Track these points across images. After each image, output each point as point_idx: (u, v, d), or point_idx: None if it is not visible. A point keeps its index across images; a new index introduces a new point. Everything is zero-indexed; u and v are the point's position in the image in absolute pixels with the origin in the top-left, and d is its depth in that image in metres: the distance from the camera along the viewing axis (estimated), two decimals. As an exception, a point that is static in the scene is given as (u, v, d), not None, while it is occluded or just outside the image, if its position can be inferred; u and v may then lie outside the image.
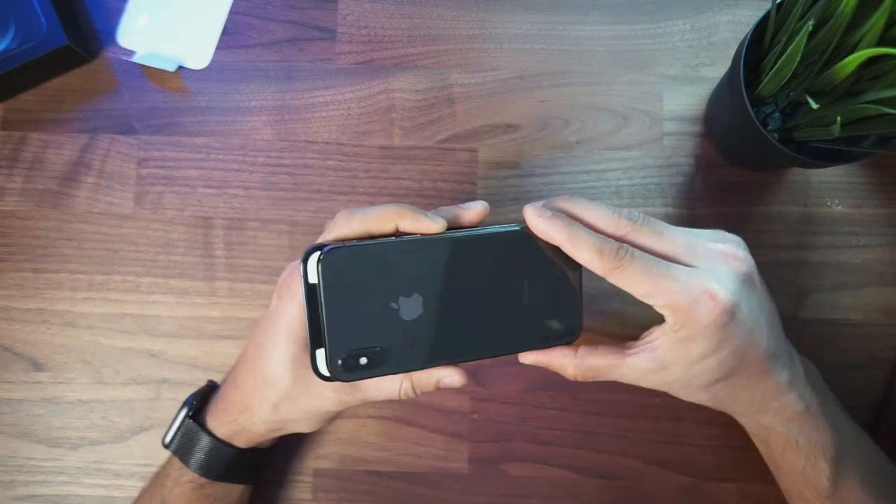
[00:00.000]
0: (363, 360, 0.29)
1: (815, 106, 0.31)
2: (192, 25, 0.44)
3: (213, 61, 0.44)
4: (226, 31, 0.44)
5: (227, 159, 0.43)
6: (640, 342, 0.32)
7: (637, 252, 0.29)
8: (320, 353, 0.29)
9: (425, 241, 0.29)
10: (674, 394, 0.33)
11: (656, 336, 0.31)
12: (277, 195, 0.43)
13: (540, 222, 0.29)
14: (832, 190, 0.43)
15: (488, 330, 0.30)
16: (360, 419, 0.42)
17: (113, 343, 0.42)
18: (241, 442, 0.35)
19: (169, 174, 0.43)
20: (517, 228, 0.30)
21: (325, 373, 0.29)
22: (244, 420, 0.34)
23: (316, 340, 0.29)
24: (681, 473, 0.41)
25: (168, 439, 0.36)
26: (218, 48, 0.44)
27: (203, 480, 0.35)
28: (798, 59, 0.32)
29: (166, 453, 0.36)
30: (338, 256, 0.28)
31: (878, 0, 0.30)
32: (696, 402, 0.33)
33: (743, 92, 0.35)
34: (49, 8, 0.41)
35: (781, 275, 0.42)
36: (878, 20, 0.30)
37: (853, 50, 0.32)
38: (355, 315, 0.28)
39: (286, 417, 0.34)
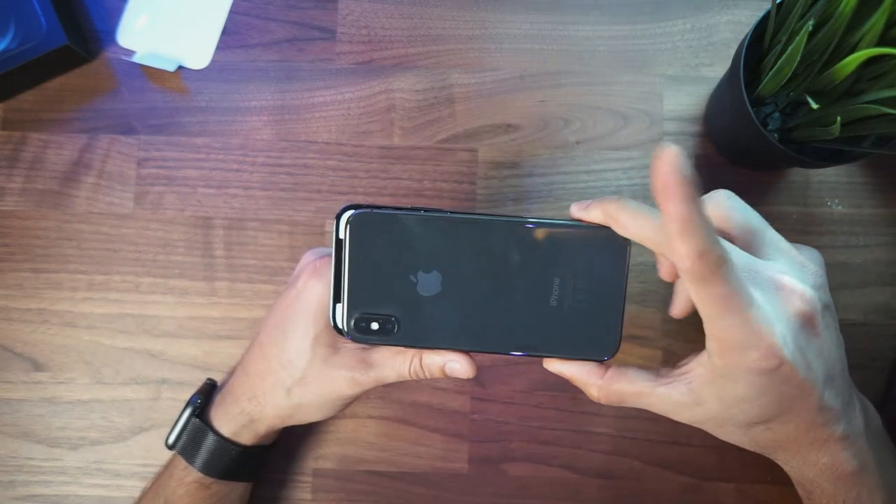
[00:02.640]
0: (374, 325, 0.29)
1: (815, 106, 0.31)
2: (192, 25, 0.44)
3: (213, 61, 0.44)
4: (226, 31, 0.44)
5: (227, 159, 0.43)
6: (675, 371, 0.29)
7: (736, 269, 0.25)
8: (338, 308, 0.30)
9: (455, 219, 0.29)
10: (707, 430, 0.30)
11: (693, 367, 0.28)
12: (277, 195, 0.43)
13: (670, 176, 0.24)
14: (832, 190, 0.43)
15: (509, 324, 0.29)
16: (360, 419, 0.42)
17: (113, 343, 0.42)
18: (247, 437, 0.35)
19: (169, 174, 0.43)
20: (559, 222, 0.29)
21: (341, 326, 0.30)
22: (252, 409, 0.34)
23: (336, 295, 0.30)
24: (681, 473, 0.41)
25: (172, 439, 0.36)
26: (218, 48, 0.44)
27: (208, 480, 0.35)
28: (798, 59, 0.32)
29: (167, 453, 0.36)
30: (367, 218, 0.29)
31: (878, 0, 0.30)
32: (733, 442, 0.30)
33: (743, 92, 0.35)
34: (49, 8, 0.41)
35: (781, 275, 0.42)
36: (878, 20, 0.30)
37: (853, 50, 0.32)
38: (374, 279, 0.29)
39: (298, 402, 0.33)
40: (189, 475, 0.35)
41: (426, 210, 0.29)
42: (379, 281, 0.29)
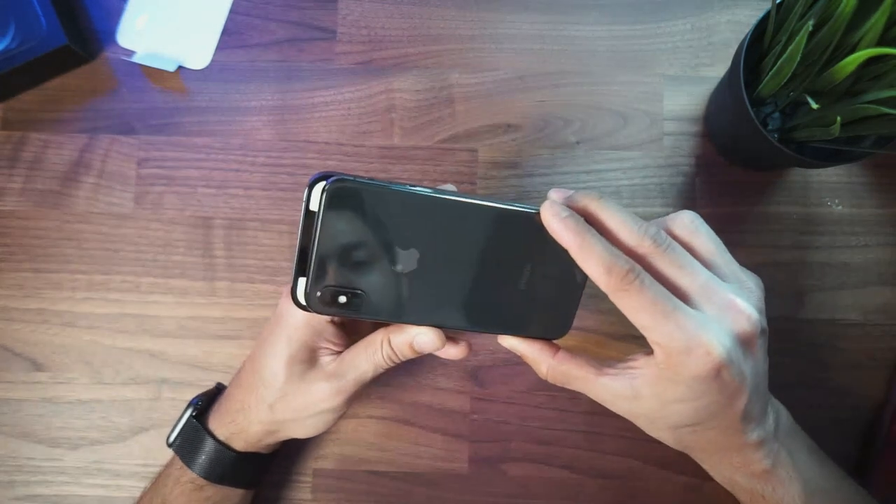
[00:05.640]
0: (342, 299, 0.28)
1: (815, 106, 0.31)
2: (192, 25, 0.44)
3: (213, 61, 0.44)
4: (226, 31, 0.44)
5: (228, 159, 0.43)
6: (620, 365, 0.31)
7: (648, 280, 0.27)
8: (301, 281, 0.28)
9: (437, 199, 0.28)
10: (638, 425, 0.33)
11: (639, 366, 0.30)
12: (277, 195, 0.43)
13: (553, 222, 0.28)
14: (832, 190, 0.43)
15: (478, 304, 0.30)
16: (360, 419, 0.42)
17: (113, 343, 0.42)
18: (239, 444, 0.35)
19: (169, 174, 0.43)
20: (534, 212, 0.29)
21: (302, 301, 0.29)
22: (241, 420, 0.34)
23: (301, 268, 0.28)
24: (681, 473, 0.41)
25: (171, 439, 0.36)
26: (218, 48, 0.44)
27: (202, 482, 0.35)
28: (798, 59, 0.32)
29: (166, 453, 0.36)
30: (344, 190, 0.27)
31: (878, 0, 0.30)
32: (658, 438, 0.33)
33: (743, 92, 0.35)
34: (49, 8, 0.41)
35: (781, 275, 0.42)
36: (878, 20, 0.30)
37: (853, 50, 0.32)
38: (347, 253, 0.28)
39: (281, 418, 0.34)
40: (185, 475, 0.35)
41: (409, 186, 0.28)
42: (351, 255, 0.28)
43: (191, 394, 0.41)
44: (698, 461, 0.35)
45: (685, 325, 0.28)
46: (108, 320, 0.42)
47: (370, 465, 0.41)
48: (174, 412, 0.41)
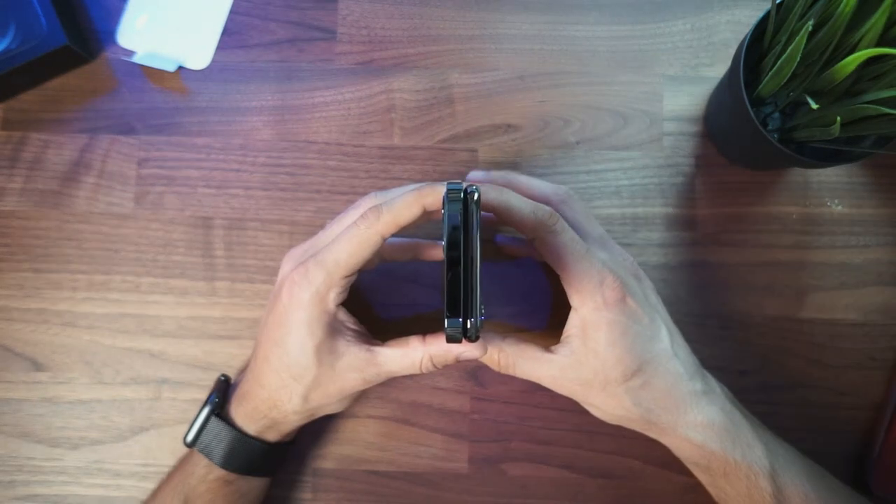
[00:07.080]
0: (483, 308, 0.29)
1: (815, 106, 0.31)
2: (192, 25, 0.44)
3: (213, 61, 0.44)
4: (226, 31, 0.44)
5: (228, 159, 0.43)
6: (560, 341, 0.34)
7: (566, 224, 0.32)
8: (470, 321, 0.27)
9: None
10: (596, 401, 0.34)
11: (569, 331, 0.34)
12: (277, 195, 0.43)
13: (481, 179, 0.33)
14: (832, 190, 0.43)
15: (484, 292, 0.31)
16: (359, 419, 0.42)
17: (113, 343, 0.42)
18: (272, 436, 0.36)
19: (169, 174, 0.43)
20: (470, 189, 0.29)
21: (473, 336, 0.28)
22: (276, 415, 0.35)
23: (464, 305, 0.27)
24: (681, 473, 0.41)
25: (191, 438, 0.36)
26: (218, 48, 0.44)
27: (232, 476, 0.35)
28: (798, 59, 0.32)
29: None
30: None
31: (878, 0, 0.30)
32: (623, 412, 0.34)
33: (743, 92, 0.35)
34: (49, 8, 0.41)
35: (781, 275, 0.42)
36: (878, 20, 0.30)
37: (853, 50, 0.32)
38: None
39: (317, 404, 0.35)
40: (212, 472, 0.35)
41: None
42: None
43: (191, 394, 0.41)
44: (668, 433, 0.34)
45: (595, 262, 0.32)
46: (108, 320, 0.42)
47: (370, 464, 0.41)
48: (174, 412, 0.41)
